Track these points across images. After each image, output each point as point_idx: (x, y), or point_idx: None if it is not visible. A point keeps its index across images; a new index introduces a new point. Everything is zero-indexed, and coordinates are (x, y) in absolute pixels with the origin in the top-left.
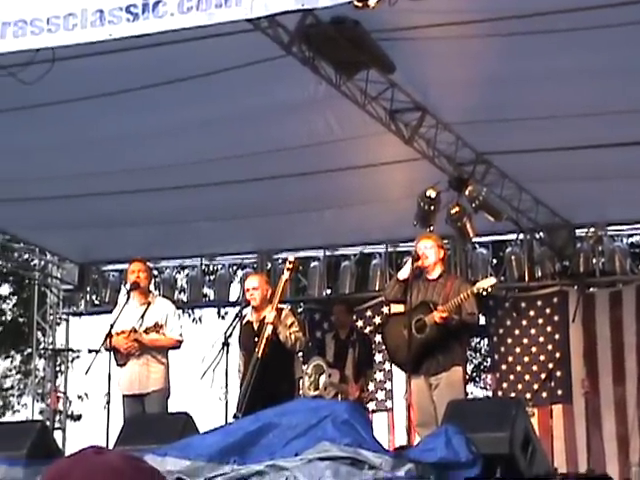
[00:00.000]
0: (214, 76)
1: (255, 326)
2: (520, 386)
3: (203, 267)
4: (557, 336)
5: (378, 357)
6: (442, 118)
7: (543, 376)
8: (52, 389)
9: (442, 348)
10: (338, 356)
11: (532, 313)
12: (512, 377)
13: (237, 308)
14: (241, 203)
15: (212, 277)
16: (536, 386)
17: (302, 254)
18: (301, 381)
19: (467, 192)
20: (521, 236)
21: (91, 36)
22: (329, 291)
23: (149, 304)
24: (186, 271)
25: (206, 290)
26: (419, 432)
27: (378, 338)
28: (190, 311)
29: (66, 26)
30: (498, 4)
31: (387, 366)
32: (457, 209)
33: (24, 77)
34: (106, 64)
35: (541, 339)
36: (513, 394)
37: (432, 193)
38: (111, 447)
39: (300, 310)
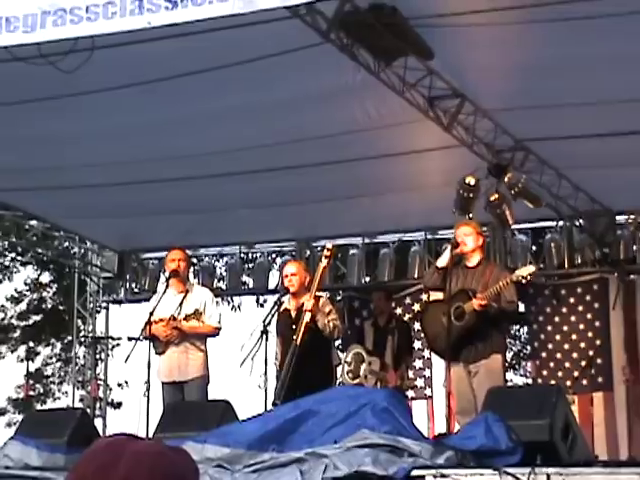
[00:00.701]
0: (252, 64)
1: (293, 314)
2: (560, 373)
3: (242, 255)
4: (597, 323)
5: (417, 344)
6: (481, 105)
7: (583, 363)
8: (92, 377)
9: (481, 336)
10: (377, 344)
11: (572, 300)
12: (552, 364)
13: (276, 296)
14: (280, 191)
15: (251, 265)
16: (576, 373)
17: (341, 242)
18: (338, 368)
19: (506, 179)
20: (561, 223)
21: (130, 24)
22: (368, 279)
23: (187, 292)
24: (225, 259)
25: (245, 278)
26: (459, 420)
27: (417, 326)
28: (229, 299)
29: (105, 14)
30: None
31: (426, 354)
32: (496, 196)
33: (63, 66)
34: (145, 52)
35: (581, 326)
36: (553, 381)
37: (471, 180)
38: (151, 434)
39: (339, 298)
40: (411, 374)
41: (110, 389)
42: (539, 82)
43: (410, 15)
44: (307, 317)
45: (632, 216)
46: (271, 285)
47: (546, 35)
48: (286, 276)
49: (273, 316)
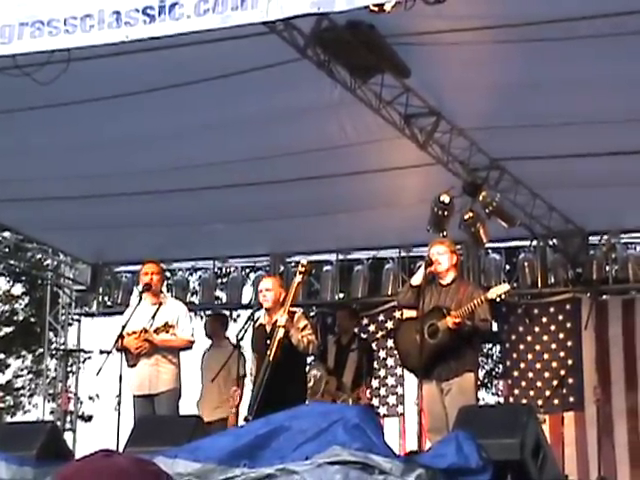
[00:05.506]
0: (229, 79)
1: (268, 329)
2: (532, 393)
3: (216, 269)
4: (569, 343)
5: (390, 361)
6: (457, 123)
7: (555, 383)
8: (63, 389)
9: (454, 354)
10: (338, 362)
11: (544, 320)
12: (524, 384)
13: (249, 311)
14: (255, 206)
15: (224, 279)
16: (548, 393)
17: (315, 258)
18: None
19: (481, 198)
20: (534, 242)
21: (108, 37)
22: (342, 295)
23: (160, 305)
24: (199, 273)
25: (218, 292)
26: (430, 438)
27: (390, 343)
28: (202, 313)
29: (83, 27)
30: (514, 10)
31: (399, 371)
32: (471, 214)
33: (39, 77)
34: (120, 65)
35: (553, 346)
36: (525, 400)
37: (446, 198)
38: (121, 448)
39: (312, 314)
40: (383, 391)
41: (81, 402)
42: (515, 102)
43: (387, 33)
44: (280, 333)
45: (605, 237)
46: (244, 300)
47: (523, 55)
48: (261, 291)
49: (246, 331)
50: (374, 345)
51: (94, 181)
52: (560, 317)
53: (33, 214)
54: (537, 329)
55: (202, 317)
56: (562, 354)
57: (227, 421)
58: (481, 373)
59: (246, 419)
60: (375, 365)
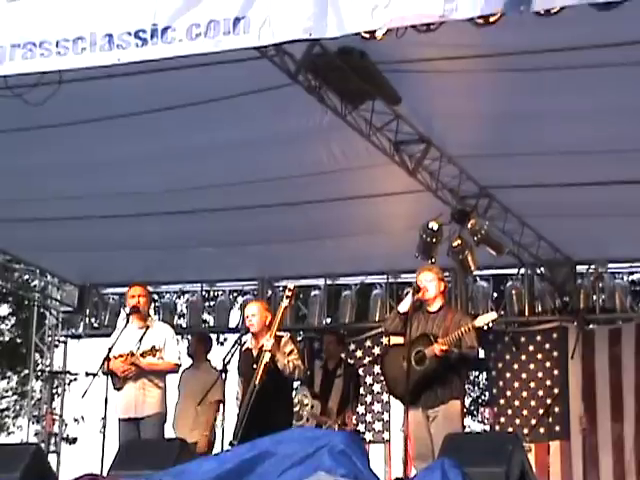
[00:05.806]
0: (221, 102)
1: (254, 353)
2: (518, 421)
3: (203, 293)
4: (556, 372)
5: (376, 388)
6: (446, 151)
7: (541, 411)
8: (48, 411)
9: (441, 381)
10: (324, 387)
11: (531, 348)
12: (510, 412)
13: (237, 335)
14: (243, 230)
15: (212, 303)
16: (534, 421)
17: (303, 282)
18: None
19: (469, 225)
20: (522, 271)
21: (99, 60)
22: (329, 320)
23: (148, 328)
24: (186, 296)
25: (206, 316)
26: (416, 465)
27: (377, 369)
28: (189, 337)
29: (75, 50)
30: (504, 40)
31: (385, 397)
32: (459, 242)
33: (30, 98)
34: (111, 88)
35: (540, 374)
36: (511, 429)
37: (434, 225)
38: (106, 472)
39: (300, 338)
40: (369, 417)
41: (66, 424)
42: (504, 130)
43: (378, 59)
44: (266, 357)
45: (592, 266)
46: (232, 324)
47: (511, 84)
48: (247, 317)
49: (233, 355)
50: (361, 371)
51: (83, 202)
52: (547, 345)
53: (21, 235)
54: (524, 357)
55: (189, 340)
56: (548, 383)
57: (197, 445)
58: (467, 401)
59: (231, 444)
60: (361, 391)
